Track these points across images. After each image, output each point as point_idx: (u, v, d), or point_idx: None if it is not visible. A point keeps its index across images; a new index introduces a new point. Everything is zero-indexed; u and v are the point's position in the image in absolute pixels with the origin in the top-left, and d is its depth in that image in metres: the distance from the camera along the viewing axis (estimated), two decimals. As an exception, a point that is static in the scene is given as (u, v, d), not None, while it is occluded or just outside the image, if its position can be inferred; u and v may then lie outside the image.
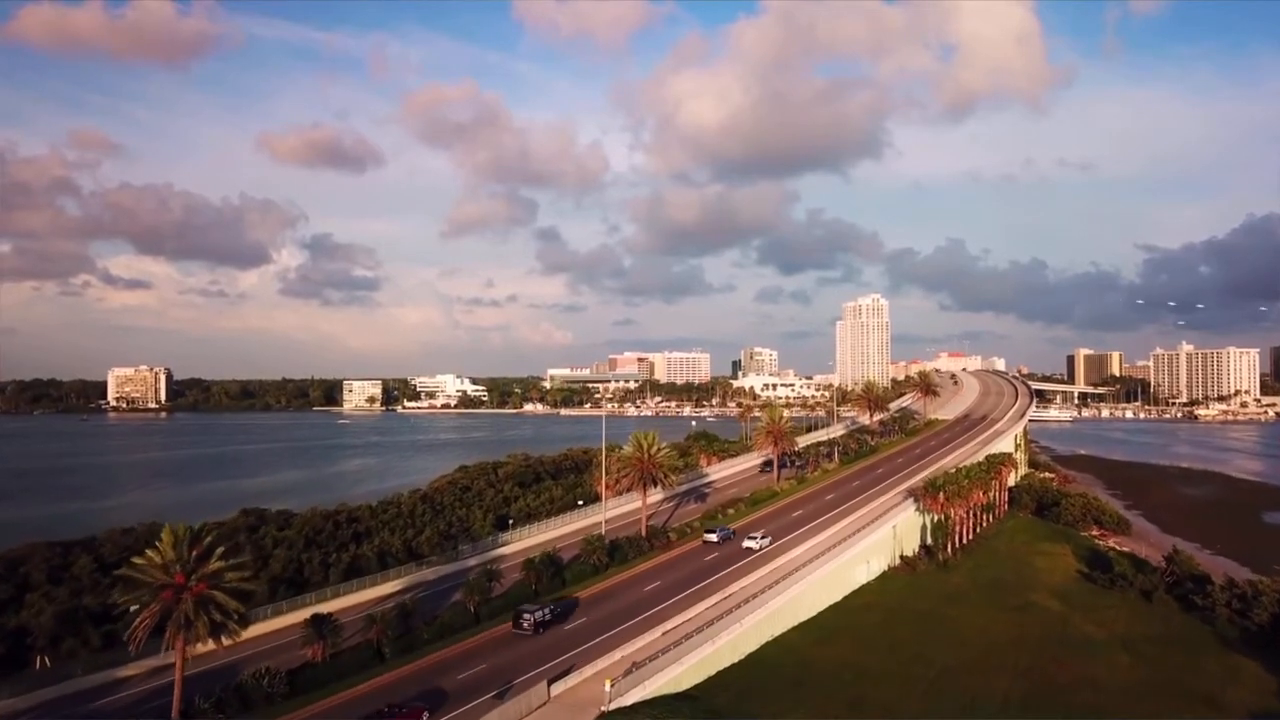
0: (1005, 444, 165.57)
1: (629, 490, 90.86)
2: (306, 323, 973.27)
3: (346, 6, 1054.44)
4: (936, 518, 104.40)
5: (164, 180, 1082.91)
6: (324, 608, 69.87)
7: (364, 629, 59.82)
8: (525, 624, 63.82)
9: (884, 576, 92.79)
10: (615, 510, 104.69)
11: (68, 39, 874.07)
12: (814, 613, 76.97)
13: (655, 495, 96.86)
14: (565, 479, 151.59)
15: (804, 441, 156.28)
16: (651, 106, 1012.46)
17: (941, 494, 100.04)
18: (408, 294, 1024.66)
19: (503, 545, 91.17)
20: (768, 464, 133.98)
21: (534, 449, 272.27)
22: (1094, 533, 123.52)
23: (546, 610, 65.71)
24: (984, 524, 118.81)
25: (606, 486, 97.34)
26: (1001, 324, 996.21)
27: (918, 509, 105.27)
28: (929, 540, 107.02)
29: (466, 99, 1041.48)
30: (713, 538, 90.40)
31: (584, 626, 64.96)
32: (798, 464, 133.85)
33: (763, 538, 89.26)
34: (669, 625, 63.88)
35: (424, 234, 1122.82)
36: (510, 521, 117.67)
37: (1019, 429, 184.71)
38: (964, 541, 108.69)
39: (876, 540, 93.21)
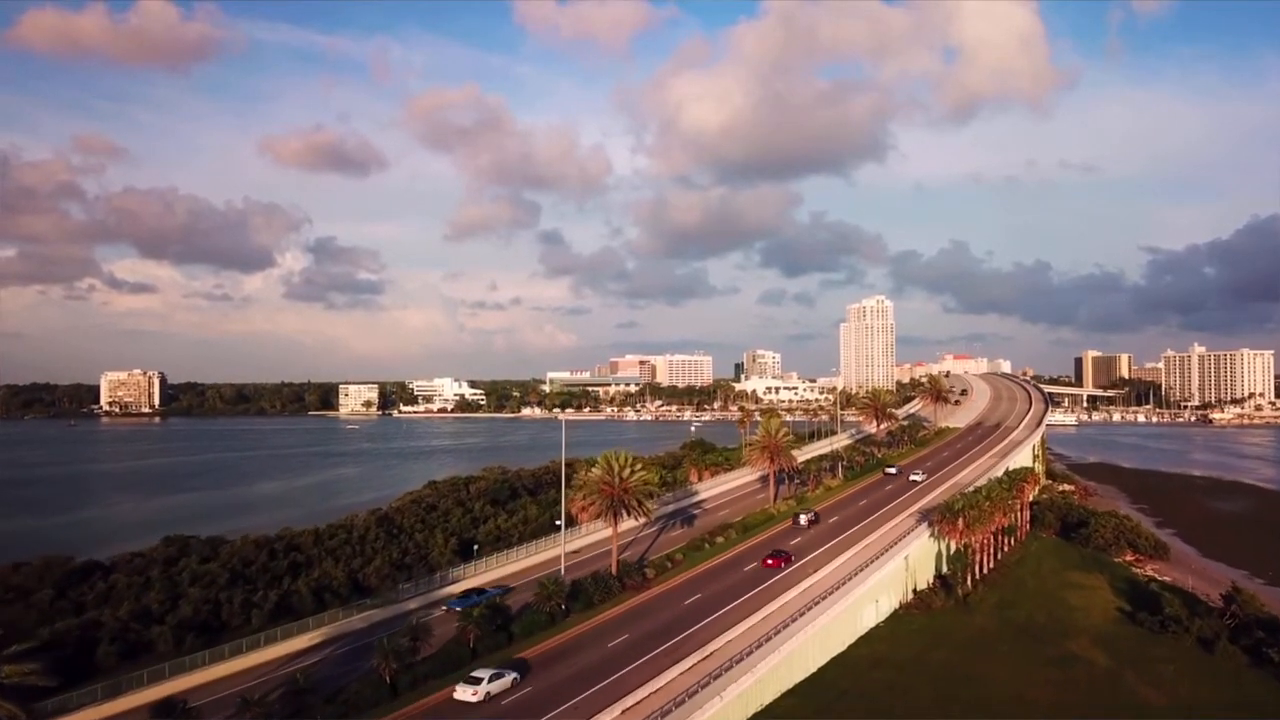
0: (1024, 455, 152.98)
1: (599, 518, 78.25)
2: (311, 326, 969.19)
3: (349, 10, 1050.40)
4: (954, 545, 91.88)
5: (168, 184, 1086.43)
6: (219, 670, 57.64)
7: (238, 712, 47.28)
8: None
9: (895, 617, 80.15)
10: (587, 538, 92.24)
11: (71, 44, 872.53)
12: (813, 669, 64.47)
13: (629, 523, 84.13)
14: (545, 495, 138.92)
15: (804, 455, 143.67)
16: (653, 109, 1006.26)
17: (961, 520, 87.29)
18: (412, 297, 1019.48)
19: (453, 583, 78.51)
20: (766, 478, 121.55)
21: (525, 457, 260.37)
22: (1128, 558, 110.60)
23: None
24: (1005, 548, 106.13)
25: (580, 509, 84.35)
26: (1005, 325, 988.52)
27: (932, 534, 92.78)
28: (945, 568, 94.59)
29: (469, 102, 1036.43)
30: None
31: (525, 701, 52.35)
32: (797, 480, 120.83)
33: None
34: (630, 701, 51.18)
35: (427, 237, 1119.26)
36: (476, 547, 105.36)
37: (1036, 438, 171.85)
38: (985, 571, 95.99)
39: (887, 574, 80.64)
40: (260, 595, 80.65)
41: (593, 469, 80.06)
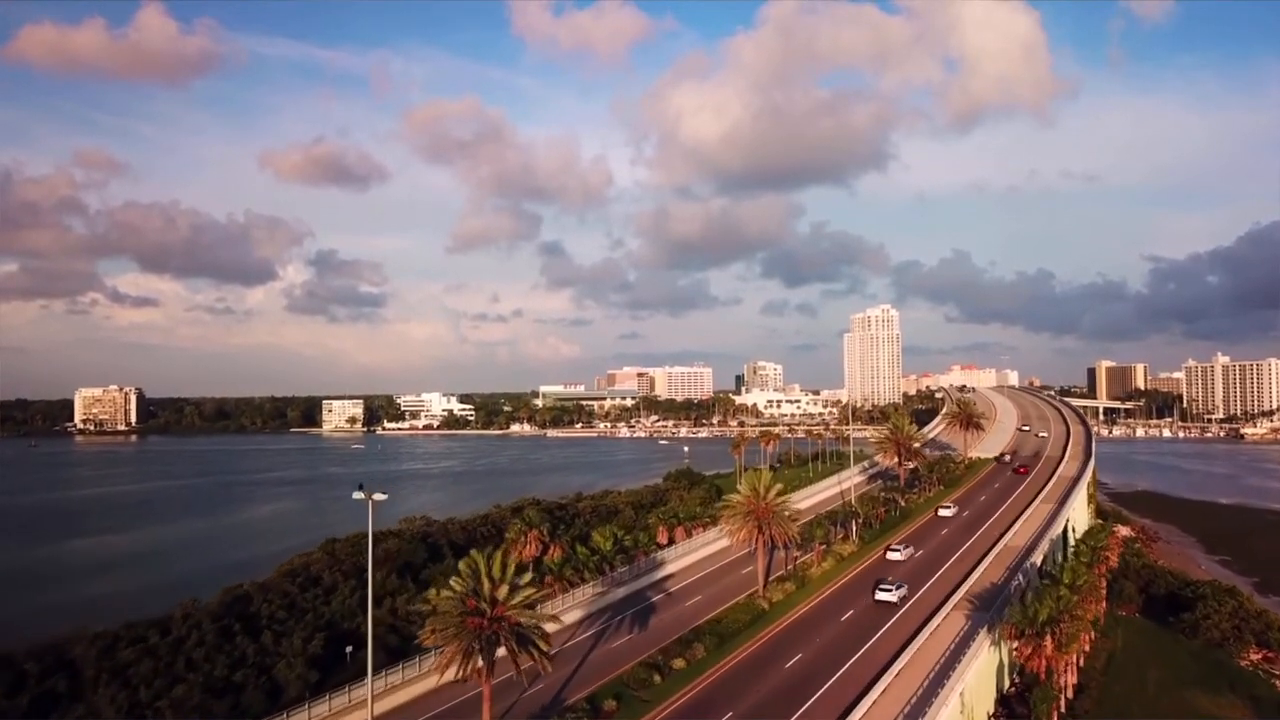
0: (1080, 499, 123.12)
1: (462, 660, 47.35)
2: (314, 339, 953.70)
3: (349, 24, 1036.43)
4: (1024, 662, 62.05)
5: (169, 198, 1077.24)
6: None
7: None
8: None
9: (952, 802, 50.50)
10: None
11: (70, 59, 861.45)
12: None
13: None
14: (481, 550, 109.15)
15: (806, 501, 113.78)
16: (653, 120, 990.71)
17: (1050, 640, 57.16)
18: (414, 309, 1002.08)
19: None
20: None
21: (497, 486, 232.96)
22: (1254, 656, 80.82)
23: None
24: (1086, 646, 76.08)
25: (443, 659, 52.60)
26: (1009, 335, 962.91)
27: (993, 644, 63.22)
28: (1007, 682, 65.69)
29: (469, 115, 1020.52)
30: None
31: None
32: (797, 549, 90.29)
33: None
34: None
35: (429, 249, 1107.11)
36: (350, 649, 76.10)
37: (1089, 474, 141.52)
38: (1069, 694, 66.18)
39: (937, 732, 50.99)
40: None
41: (452, 581, 50.28)
